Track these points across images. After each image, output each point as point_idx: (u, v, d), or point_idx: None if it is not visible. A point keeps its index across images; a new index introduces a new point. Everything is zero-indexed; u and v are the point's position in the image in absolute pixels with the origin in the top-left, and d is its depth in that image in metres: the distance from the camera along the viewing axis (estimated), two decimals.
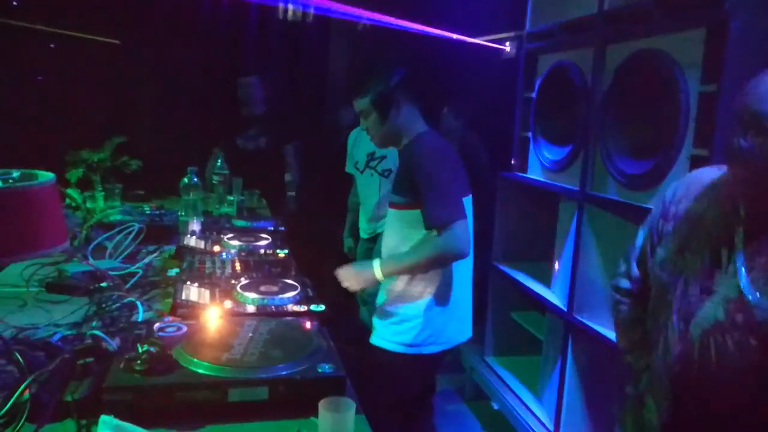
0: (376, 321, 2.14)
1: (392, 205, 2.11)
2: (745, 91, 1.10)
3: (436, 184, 1.94)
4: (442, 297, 2.07)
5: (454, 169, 2.05)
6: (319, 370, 1.26)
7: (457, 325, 2.15)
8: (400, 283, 2.06)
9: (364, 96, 2.04)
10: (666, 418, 1.30)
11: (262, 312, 1.63)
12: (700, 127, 1.97)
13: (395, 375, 2.11)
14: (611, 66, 2.41)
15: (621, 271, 1.51)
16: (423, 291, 2.05)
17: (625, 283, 1.49)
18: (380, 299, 2.14)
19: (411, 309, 2.05)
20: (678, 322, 1.26)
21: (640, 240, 1.46)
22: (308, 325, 1.52)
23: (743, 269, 1.16)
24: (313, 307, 1.68)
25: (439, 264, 2.01)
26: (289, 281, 1.86)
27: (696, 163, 1.96)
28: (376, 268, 1.98)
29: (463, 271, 2.14)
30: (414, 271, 2.01)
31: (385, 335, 2.08)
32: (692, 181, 1.35)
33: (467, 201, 2.07)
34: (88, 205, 2.64)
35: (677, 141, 2.03)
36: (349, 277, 2.03)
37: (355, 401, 1.14)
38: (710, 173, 1.31)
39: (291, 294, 1.74)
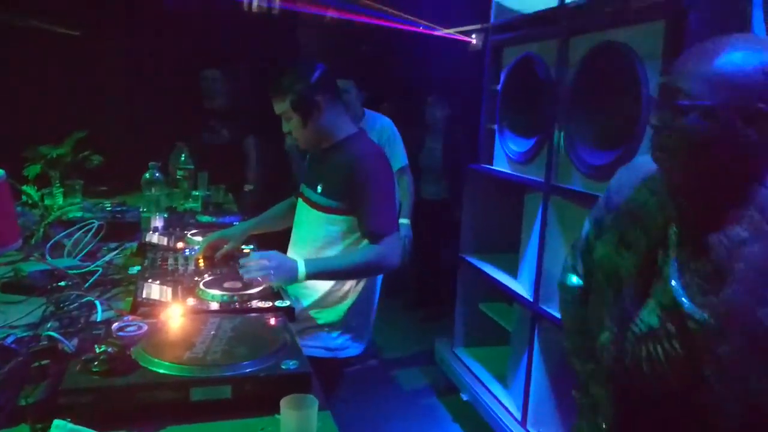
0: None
1: (316, 206, 2.02)
2: (668, 70, 1.08)
3: (377, 193, 1.91)
4: (364, 302, 2.07)
5: (392, 177, 2.02)
6: (284, 367, 1.24)
7: (368, 326, 2.16)
8: (322, 288, 2.01)
9: (283, 98, 1.94)
10: (614, 426, 1.25)
11: (226, 309, 1.61)
12: None
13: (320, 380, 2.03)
14: (575, 58, 2.44)
15: (568, 264, 1.42)
16: (345, 296, 2.03)
17: (571, 280, 1.40)
18: (303, 302, 2.04)
19: (332, 314, 2.02)
20: (612, 327, 1.20)
21: (585, 230, 1.36)
22: (273, 321, 1.50)
23: (676, 274, 1.10)
24: (278, 303, 1.66)
25: (369, 273, 1.99)
26: None
27: None
28: (300, 268, 1.79)
29: (380, 276, 2.18)
30: (340, 277, 1.97)
31: (307, 342, 1.99)
32: (636, 169, 1.25)
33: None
34: (47, 202, 2.57)
35: (639, 132, 2.06)
36: (268, 267, 1.74)
37: (319, 398, 1.13)
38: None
39: (256, 290, 1.71)
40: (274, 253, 1.84)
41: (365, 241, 1.93)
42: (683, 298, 1.07)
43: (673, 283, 1.09)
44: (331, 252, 2.00)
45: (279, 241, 2.33)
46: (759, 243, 1.00)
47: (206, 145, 3.85)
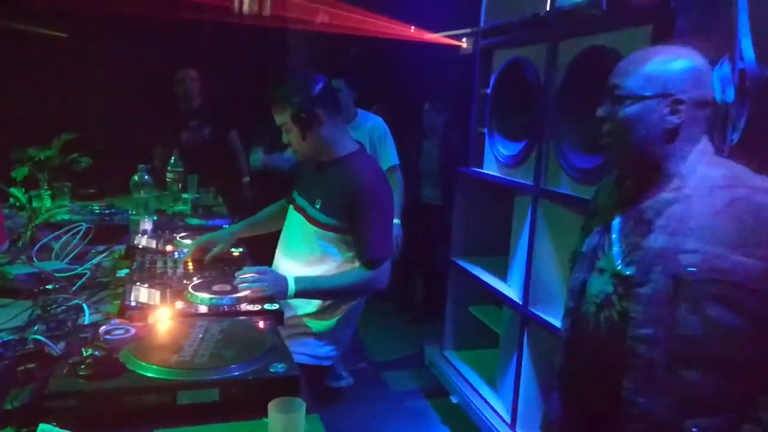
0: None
1: (314, 221, 2.00)
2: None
3: (378, 218, 1.90)
4: (354, 312, 2.09)
5: (392, 199, 2.00)
6: (272, 371, 1.24)
7: (351, 333, 2.17)
8: (313, 302, 2.01)
9: (283, 110, 1.92)
10: (569, 387, 1.44)
11: (215, 312, 1.60)
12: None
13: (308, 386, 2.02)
14: (564, 62, 2.45)
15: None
16: (340, 308, 2.03)
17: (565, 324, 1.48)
18: (298, 309, 2.03)
19: (324, 324, 2.03)
20: (569, 302, 1.41)
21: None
22: (261, 324, 1.50)
23: (617, 243, 1.32)
24: (267, 306, 1.66)
25: (357, 295, 2.00)
26: None
27: None
28: (291, 284, 1.80)
29: None
30: (328, 297, 1.97)
31: (295, 348, 1.95)
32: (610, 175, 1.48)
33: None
34: (34, 204, 2.55)
35: None
36: (263, 281, 1.75)
37: (308, 401, 1.13)
38: None
39: (245, 293, 1.71)
40: (267, 268, 1.90)
41: (357, 263, 1.93)
42: (618, 260, 1.29)
43: (614, 250, 1.31)
44: (326, 267, 1.99)
45: (264, 243, 2.33)
46: (679, 203, 1.23)
47: (188, 146, 3.82)
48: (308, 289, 1.86)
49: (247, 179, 4.10)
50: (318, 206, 2.00)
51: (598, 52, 2.22)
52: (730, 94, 1.93)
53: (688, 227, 1.19)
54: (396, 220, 3.35)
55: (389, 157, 3.43)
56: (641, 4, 2.06)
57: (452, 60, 4.32)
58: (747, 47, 1.92)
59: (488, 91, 3.11)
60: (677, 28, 1.90)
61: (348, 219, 1.92)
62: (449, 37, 4.41)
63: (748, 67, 1.91)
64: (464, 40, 4.41)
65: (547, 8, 2.54)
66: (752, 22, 1.93)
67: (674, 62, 1.24)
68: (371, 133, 3.36)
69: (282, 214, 2.22)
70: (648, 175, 1.29)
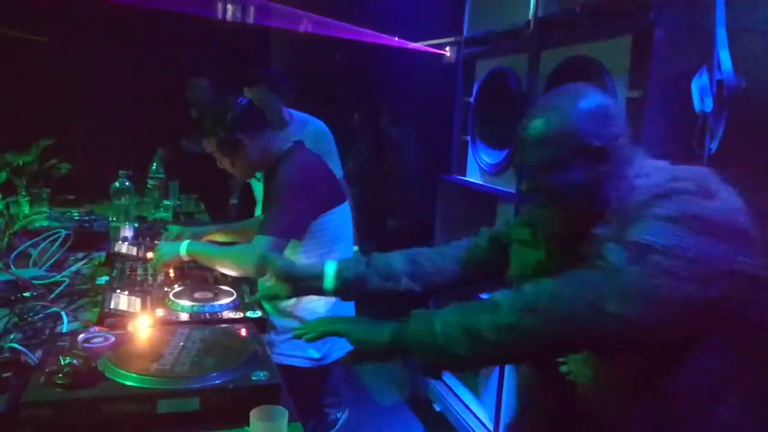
0: (274, 338, 2.03)
1: None
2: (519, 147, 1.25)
3: (283, 197, 1.91)
4: (340, 307, 2.06)
5: (316, 184, 2.00)
6: (254, 379, 1.23)
7: None
8: (296, 299, 2.01)
9: (209, 140, 1.98)
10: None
11: (196, 320, 1.59)
12: (628, 132, 2.04)
13: (304, 389, 1.98)
14: (545, 71, 2.48)
15: None
16: (318, 304, 2.03)
17: None
18: (279, 316, 2.05)
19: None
20: None
21: None
22: (243, 332, 1.49)
23: None
24: (249, 313, 1.65)
25: (232, 268, 1.92)
26: (225, 287, 1.82)
27: None
28: (183, 248, 1.95)
29: None
30: (212, 263, 1.96)
31: (286, 351, 2.00)
32: None
33: (340, 209, 2.07)
34: (12, 210, 2.51)
35: None
36: (159, 248, 1.99)
37: (289, 409, 1.12)
38: None
39: (226, 300, 1.70)
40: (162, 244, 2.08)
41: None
42: None
43: None
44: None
45: None
46: (614, 241, 1.08)
47: (185, 154, 3.78)
48: (198, 252, 1.96)
49: (234, 202, 4.00)
50: (263, 209, 2.05)
51: (580, 61, 2.25)
52: (709, 104, 1.96)
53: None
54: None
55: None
56: (621, 15, 2.08)
57: (418, 67, 4.35)
58: (725, 58, 1.95)
59: (471, 99, 3.13)
60: (656, 38, 1.93)
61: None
62: (431, 46, 4.44)
63: (726, 78, 1.95)
64: (447, 48, 4.44)
65: (530, 18, 2.56)
66: (730, 34, 1.96)
67: (575, 110, 1.15)
68: (316, 142, 2.75)
69: (254, 226, 2.25)
70: (588, 220, 1.18)
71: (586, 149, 1.13)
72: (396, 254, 1.52)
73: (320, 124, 2.92)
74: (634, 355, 1.13)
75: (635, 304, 0.98)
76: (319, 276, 1.47)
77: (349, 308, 2.14)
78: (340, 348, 2.09)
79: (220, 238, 2.33)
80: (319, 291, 1.49)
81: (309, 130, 2.84)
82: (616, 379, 1.18)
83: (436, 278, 1.51)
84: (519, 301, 1.05)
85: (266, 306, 1.92)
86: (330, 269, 1.47)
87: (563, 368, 1.25)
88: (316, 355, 2.02)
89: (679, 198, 1.06)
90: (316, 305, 2.03)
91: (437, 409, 3.23)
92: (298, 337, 1.33)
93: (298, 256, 1.99)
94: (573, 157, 1.14)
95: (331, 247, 2.02)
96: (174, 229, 2.26)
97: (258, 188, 2.79)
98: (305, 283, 1.49)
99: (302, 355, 2.01)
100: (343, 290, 1.47)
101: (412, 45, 4.53)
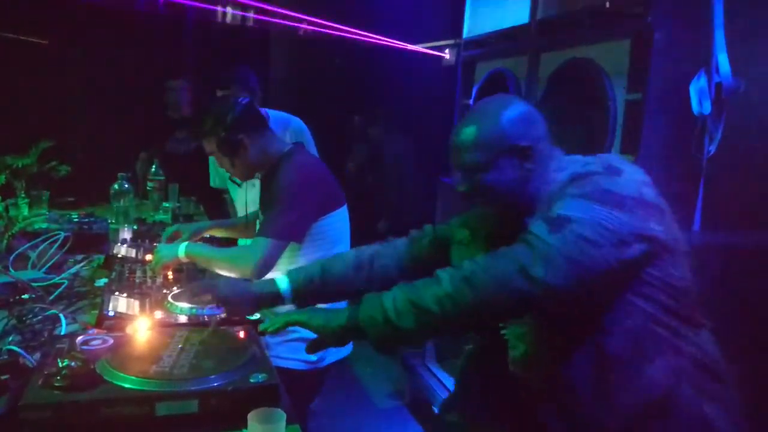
0: (269, 340, 1.99)
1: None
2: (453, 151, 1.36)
3: (287, 198, 1.91)
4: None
5: (316, 187, 2.00)
6: (252, 380, 1.23)
7: None
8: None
9: (209, 141, 1.97)
10: None
11: (195, 322, 1.59)
12: (627, 133, 2.05)
13: (298, 392, 1.89)
14: (545, 74, 2.48)
15: None
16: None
17: None
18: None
19: (307, 332, 2.02)
20: None
21: None
22: (242, 334, 1.49)
23: None
24: (248, 316, 1.64)
25: (231, 270, 1.91)
26: None
27: None
28: (181, 250, 1.93)
29: None
30: (211, 265, 1.96)
31: (282, 353, 2.00)
32: None
33: (339, 212, 2.07)
34: (11, 212, 2.51)
35: (606, 147, 2.10)
36: (158, 249, 1.97)
37: (288, 411, 1.12)
38: None
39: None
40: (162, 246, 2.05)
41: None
42: None
43: None
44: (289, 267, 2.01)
45: None
46: (537, 219, 1.21)
47: (172, 155, 3.79)
48: (197, 253, 1.95)
49: (227, 195, 4.05)
50: (261, 209, 2.05)
51: (579, 64, 2.26)
52: (707, 107, 1.96)
53: None
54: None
55: None
56: (620, 18, 2.09)
57: (416, 69, 4.36)
58: (723, 61, 1.96)
59: (470, 101, 3.14)
60: (655, 41, 1.94)
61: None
62: (432, 48, 4.45)
63: (724, 81, 1.95)
64: (447, 51, 4.45)
65: (529, 21, 2.57)
66: (728, 37, 1.97)
67: (503, 116, 1.29)
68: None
69: (251, 224, 2.26)
70: (521, 211, 1.31)
71: (515, 149, 1.28)
72: (340, 261, 1.61)
73: (299, 123, 2.84)
74: (566, 325, 1.24)
75: (557, 266, 1.08)
76: (273, 290, 1.53)
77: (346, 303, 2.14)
78: (336, 351, 2.09)
79: (217, 233, 2.34)
80: (275, 303, 1.57)
81: (291, 129, 2.78)
82: (550, 348, 1.29)
83: (380, 276, 1.59)
84: (457, 274, 1.14)
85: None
86: (282, 284, 1.53)
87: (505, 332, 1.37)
88: (312, 357, 2.02)
89: (590, 178, 1.20)
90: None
91: (436, 411, 3.22)
92: (262, 333, 1.37)
93: (297, 258, 1.98)
94: (504, 157, 1.28)
95: (330, 250, 2.02)
96: (170, 228, 2.25)
97: (234, 190, 2.77)
98: (262, 301, 1.56)
99: (298, 357, 2.00)
100: (298, 299, 1.55)
101: (411, 47, 4.54)
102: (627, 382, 1.19)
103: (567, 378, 1.24)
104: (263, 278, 1.81)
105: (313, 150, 2.85)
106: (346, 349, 2.17)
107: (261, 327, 1.37)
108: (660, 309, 1.19)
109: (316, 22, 4.90)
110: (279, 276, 1.57)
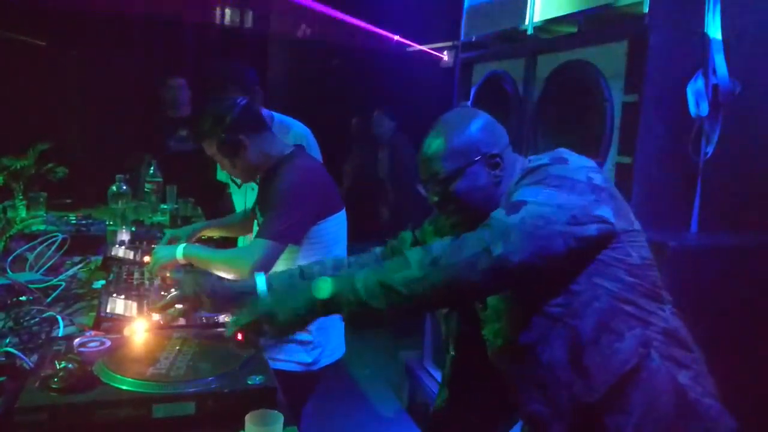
0: (262, 342, 2.04)
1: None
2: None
3: (288, 199, 1.90)
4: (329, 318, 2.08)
5: (316, 190, 2.00)
6: (249, 383, 1.23)
7: (338, 338, 2.16)
8: None
9: (209, 142, 1.96)
10: None
11: (193, 324, 1.59)
12: (624, 135, 2.05)
13: (290, 394, 1.98)
14: (542, 75, 2.48)
15: None
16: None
17: None
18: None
19: (301, 334, 1.98)
20: None
21: None
22: (239, 336, 1.48)
23: None
24: None
25: (229, 271, 1.89)
26: None
27: (621, 170, 2.04)
28: (179, 251, 1.92)
29: None
30: (209, 266, 1.93)
31: (275, 355, 1.99)
32: None
33: (338, 216, 2.07)
34: (9, 214, 2.51)
35: (603, 149, 2.10)
36: (155, 251, 1.96)
37: (286, 413, 1.12)
38: None
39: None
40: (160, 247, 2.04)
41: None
42: None
43: None
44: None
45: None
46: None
47: (176, 154, 3.79)
48: (194, 255, 1.93)
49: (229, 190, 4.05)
50: (261, 219, 2.03)
51: (576, 66, 2.26)
52: (704, 109, 1.97)
53: None
54: None
55: None
56: (617, 20, 2.10)
57: (416, 71, 4.36)
58: (720, 63, 1.96)
59: (468, 103, 3.14)
60: (652, 43, 1.94)
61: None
62: (433, 49, 4.46)
63: (721, 83, 1.96)
64: (445, 52, 4.46)
65: (526, 23, 2.58)
66: (725, 39, 1.97)
67: (471, 126, 1.35)
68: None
69: (246, 222, 2.26)
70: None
71: (485, 157, 1.34)
72: (319, 264, 1.63)
73: (303, 129, 2.71)
74: (537, 309, 1.29)
75: (514, 242, 1.15)
76: (250, 287, 1.50)
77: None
78: (329, 354, 2.10)
79: (213, 234, 2.34)
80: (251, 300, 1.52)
81: (292, 134, 2.64)
82: (524, 331, 1.33)
83: None
84: (426, 257, 1.19)
85: None
86: (260, 282, 1.50)
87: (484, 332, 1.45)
88: (306, 360, 2.02)
89: (540, 169, 1.29)
90: None
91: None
92: (233, 334, 1.33)
93: (295, 261, 1.99)
94: (474, 166, 1.33)
95: (327, 254, 2.01)
96: (168, 233, 2.25)
97: (235, 193, 2.75)
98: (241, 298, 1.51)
99: (291, 359, 2.00)
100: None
101: (409, 42, 4.53)
102: (601, 359, 1.25)
103: (546, 362, 1.29)
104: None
105: (316, 155, 2.71)
106: (340, 351, 2.18)
107: (228, 332, 1.33)
108: (624, 288, 1.25)
109: (316, 22, 4.91)
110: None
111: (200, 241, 2.32)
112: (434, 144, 1.36)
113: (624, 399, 1.24)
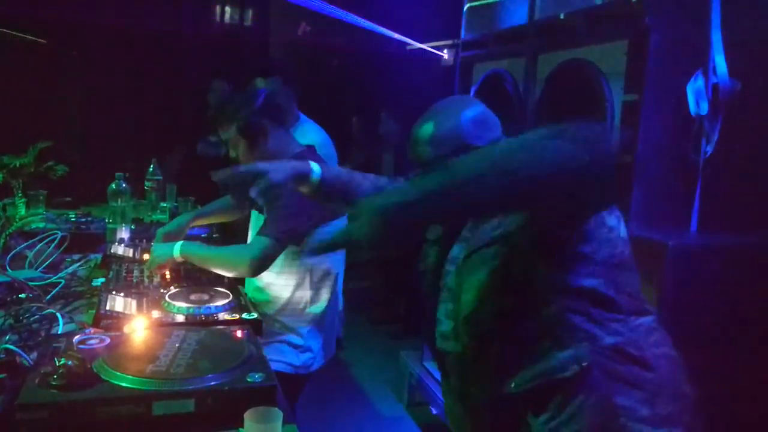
0: None
1: None
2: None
3: (289, 201, 1.88)
4: (323, 323, 2.10)
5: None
6: (249, 380, 1.23)
7: (329, 341, 2.17)
8: (280, 305, 2.04)
9: (229, 125, 1.95)
10: None
11: (192, 322, 1.59)
12: (624, 134, 2.05)
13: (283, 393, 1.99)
14: (542, 75, 2.48)
15: None
16: (303, 315, 2.05)
17: None
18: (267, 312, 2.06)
19: (293, 335, 2.05)
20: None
21: None
22: (239, 333, 1.49)
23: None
24: (245, 315, 1.64)
25: (227, 269, 1.90)
26: (221, 289, 1.81)
27: (620, 169, 2.03)
28: (176, 250, 1.92)
29: (338, 293, 2.20)
30: (207, 264, 1.93)
31: (267, 355, 1.99)
32: None
33: (341, 221, 2.03)
34: (8, 212, 2.51)
35: None
36: (153, 249, 1.96)
37: (285, 411, 1.12)
38: None
39: (222, 302, 1.69)
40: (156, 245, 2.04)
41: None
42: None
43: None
44: (288, 268, 2.03)
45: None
46: None
47: (197, 157, 3.75)
48: (192, 253, 1.93)
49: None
50: (264, 213, 2.03)
51: (576, 65, 2.26)
52: (704, 108, 1.97)
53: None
54: None
55: None
56: (617, 19, 2.09)
57: (417, 70, 4.35)
58: (720, 62, 1.96)
59: None
60: (652, 42, 1.94)
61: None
62: (433, 48, 4.45)
63: (721, 82, 1.96)
64: (445, 51, 4.45)
65: (527, 22, 2.58)
66: (725, 39, 1.97)
67: (462, 116, 1.36)
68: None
69: (230, 208, 2.30)
70: None
71: (470, 149, 1.31)
72: (364, 180, 1.55)
73: (321, 135, 2.71)
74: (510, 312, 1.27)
75: (589, 149, 1.04)
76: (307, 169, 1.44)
77: (334, 310, 2.15)
78: (321, 358, 2.11)
79: (202, 223, 2.36)
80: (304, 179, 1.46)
81: (308, 138, 2.55)
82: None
83: None
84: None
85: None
86: (315, 166, 1.46)
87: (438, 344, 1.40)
88: (297, 362, 2.03)
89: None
90: (295, 308, 2.05)
91: (434, 411, 3.22)
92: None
93: (294, 261, 1.99)
94: (458, 155, 1.26)
95: (328, 255, 2.02)
96: (160, 231, 2.20)
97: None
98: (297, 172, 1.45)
99: (283, 360, 2.01)
100: (323, 184, 1.47)
101: (409, 41, 4.53)
102: (535, 363, 1.23)
103: (501, 351, 1.28)
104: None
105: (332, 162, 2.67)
106: (330, 354, 2.19)
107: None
108: (580, 298, 1.21)
109: (316, 21, 4.90)
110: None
111: (200, 239, 2.32)
112: (424, 127, 1.38)
113: (555, 403, 1.22)
